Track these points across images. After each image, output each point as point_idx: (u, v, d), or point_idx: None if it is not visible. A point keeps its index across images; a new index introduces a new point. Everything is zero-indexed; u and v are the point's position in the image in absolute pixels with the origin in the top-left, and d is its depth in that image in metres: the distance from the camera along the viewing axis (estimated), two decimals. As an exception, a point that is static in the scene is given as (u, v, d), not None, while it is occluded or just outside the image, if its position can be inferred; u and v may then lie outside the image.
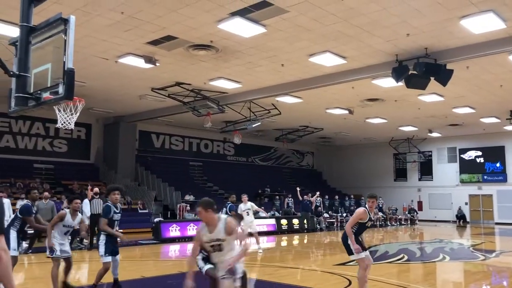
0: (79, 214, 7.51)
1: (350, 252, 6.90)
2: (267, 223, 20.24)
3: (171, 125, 25.62)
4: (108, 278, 7.38)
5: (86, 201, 14.14)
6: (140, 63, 13.43)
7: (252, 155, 31.97)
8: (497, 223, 27.96)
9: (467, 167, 29.77)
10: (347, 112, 20.59)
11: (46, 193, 14.40)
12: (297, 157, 35.61)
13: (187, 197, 22.15)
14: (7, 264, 2.57)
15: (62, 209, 8.57)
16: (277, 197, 25.60)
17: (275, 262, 12.11)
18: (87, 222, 12.45)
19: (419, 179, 32.15)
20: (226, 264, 4.91)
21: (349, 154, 34.76)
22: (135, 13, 10.14)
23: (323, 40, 11.79)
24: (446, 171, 30.73)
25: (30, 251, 12.82)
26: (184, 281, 4.90)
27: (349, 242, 6.83)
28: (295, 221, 21.59)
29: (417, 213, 29.16)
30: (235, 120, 20.94)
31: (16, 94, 4.37)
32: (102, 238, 7.17)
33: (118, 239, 7.32)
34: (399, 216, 28.45)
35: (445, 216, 29.91)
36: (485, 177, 29.00)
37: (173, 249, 14.91)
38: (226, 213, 11.65)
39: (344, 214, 25.48)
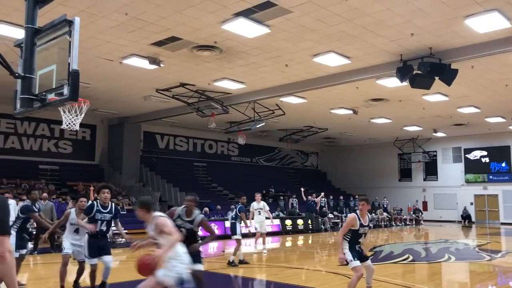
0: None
1: (346, 263, 6.64)
2: (271, 224, 20.20)
3: (175, 126, 25.66)
4: (109, 279, 7.38)
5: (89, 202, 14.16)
6: (144, 64, 13.46)
7: (256, 155, 31.97)
8: (502, 223, 27.82)
9: (472, 167, 29.64)
10: (351, 112, 20.56)
11: (45, 194, 14.45)
12: (302, 158, 35.58)
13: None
14: (11, 264, 2.59)
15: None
16: (282, 197, 25.58)
17: (280, 262, 12.10)
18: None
19: (424, 179, 32.04)
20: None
21: (353, 154, 34.68)
22: (139, 14, 10.17)
23: (327, 40, 11.78)
24: (451, 171, 30.62)
25: (36, 252, 12.87)
26: None
27: (344, 251, 6.58)
28: (300, 222, 21.56)
29: (422, 213, 29.08)
30: (239, 120, 20.94)
31: (22, 96, 4.39)
32: (85, 238, 7.09)
33: (124, 239, 7.32)
34: (404, 216, 28.37)
35: (450, 216, 29.79)
36: (491, 177, 28.87)
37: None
38: (236, 214, 11.63)
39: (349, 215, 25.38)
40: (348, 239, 6.62)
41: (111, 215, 7.20)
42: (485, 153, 29.16)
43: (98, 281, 7.20)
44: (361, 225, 6.59)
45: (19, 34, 8.87)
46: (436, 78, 12.51)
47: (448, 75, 12.43)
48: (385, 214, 26.91)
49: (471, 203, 29.39)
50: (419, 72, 12.45)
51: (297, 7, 9.70)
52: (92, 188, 14.64)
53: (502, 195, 28.39)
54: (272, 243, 17.16)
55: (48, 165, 21.98)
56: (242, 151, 30.32)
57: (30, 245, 12.71)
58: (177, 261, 4.92)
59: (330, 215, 24.20)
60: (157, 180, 23.97)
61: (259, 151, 31.91)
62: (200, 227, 6.46)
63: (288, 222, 21.33)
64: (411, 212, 28.88)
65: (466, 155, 29.91)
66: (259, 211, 13.28)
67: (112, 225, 7.65)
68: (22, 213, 7.52)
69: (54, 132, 22.39)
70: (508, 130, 26.24)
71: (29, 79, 4.36)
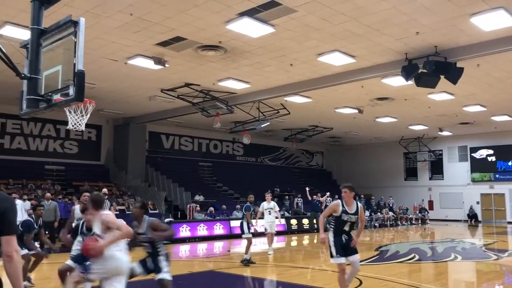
0: None
1: (330, 255, 6.48)
2: (278, 223, 20.20)
3: (180, 126, 25.70)
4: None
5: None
6: (149, 64, 13.50)
7: (261, 155, 31.96)
8: (509, 222, 27.67)
9: (478, 165, 29.49)
10: (356, 111, 20.51)
11: (48, 194, 14.53)
12: (307, 157, 35.53)
13: (197, 198, 22.21)
14: (17, 264, 2.62)
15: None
16: (287, 197, 25.57)
17: (285, 262, 12.10)
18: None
19: (430, 178, 31.91)
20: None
21: (359, 153, 34.60)
22: (144, 15, 10.19)
23: (332, 39, 11.76)
24: (457, 170, 30.48)
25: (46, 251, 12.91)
26: None
27: (330, 243, 6.44)
28: (305, 221, 21.55)
29: (428, 213, 28.96)
30: (244, 120, 20.95)
31: (28, 96, 4.41)
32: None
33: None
34: (410, 216, 28.26)
35: (457, 215, 29.66)
36: (497, 175, 28.71)
37: (184, 249, 14.95)
38: (243, 213, 11.66)
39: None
40: (332, 227, 6.55)
41: None
42: (491, 151, 29.00)
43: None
44: (345, 212, 6.40)
45: (25, 35, 8.92)
46: (442, 76, 12.46)
47: (454, 74, 12.38)
48: (390, 213, 26.82)
49: (478, 202, 29.24)
50: (425, 70, 12.41)
51: (302, 6, 9.69)
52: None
53: (508, 194, 28.22)
54: (277, 242, 17.16)
55: (54, 166, 22.08)
56: (247, 151, 30.32)
57: (36, 244, 12.82)
58: (109, 262, 4.78)
59: (336, 215, 24.11)
60: (162, 180, 24.01)
61: (264, 151, 31.90)
62: (154, 232, 5.89)
63: (294, 221, 21.32)
64: (417, 211, 28.77)
65: (472, 154, 29.76)
66: (269, 211, 13.25)
67: None
68: (21, 227, 7.45)
69: (60, 133, 22.49)
70: (514, 129, 26.10)
71: (35, 80, 4.38)
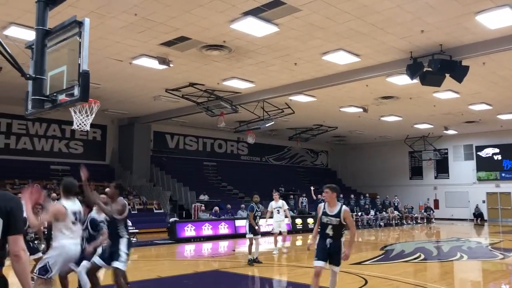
0: None
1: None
2: (286, 222, 20.19)
3: (185, 125, 25.74)
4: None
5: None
6: (154, 64, 13.52)
7: (266, 154, 31.95)
8: (515, 221, 27.54)
9: (484, 164, 29.35)
10: (361, 110, 20.46)
11: (54, 194, 14.56)
12: (311, 156, 35.49)
13: (202, 197, 22.24)
14: (25, 263, 2.64)
15: None
16: (291, 196, 25.55)
17: (290, 261, 12.10)
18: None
19: (435, 177, 31.80)
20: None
21: (363, 152, 34.52)
22: (148, 15, 10.21)
23: (336, 38, 11.73)
24: (462, 168, 30.35)
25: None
26: None
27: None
28: (310, 221, 21.51)
29: (433, 212, 28.84)
30: (249, 119, 20.95)
31: (33, 97, 4.43)
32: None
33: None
34: (415, 215, 28.17)
35: (462, 214, 29.53)
36: (503, 174, 28.56)
37: (189, 249, 14.98)
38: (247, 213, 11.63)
39: (360, 213, 25.32)
40: (318, 230, 6.22)
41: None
42: (497, 150, 28.85)
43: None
44: (324, 214, 6.07)
45: (30, 35, 8.95)
46: (447, 75, 12.41)
47: (459, 72, 12.32)
48: (396, 212, 26.75)
49: (483, 201, 29.10)
50: (430, 69, 12.36)
51: (306, 5, 9.67)
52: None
53: (515, 193, 28.08)
54: (281, 242, 17.14)
55: (60, 166, 22.16)
56: (252, 150, 30.33)
57: (42, 245, 12.87)
58: (55, 250, 5.22)
59: (341, 214, 24.07)
60: (167, 180, 24.08)
61: (268, 150, 31.89)
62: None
63: (298, 221, 21.29)
64: (422, 211, 28.67)
65: (478, 153, 29.61)
66: (277, 210, 13.23)
67: None
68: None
69: (65, 133, 22.58)
70: (520, 127, 25.94)
71: (40, 80, 4.40)
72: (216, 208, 20.00)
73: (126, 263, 5.94)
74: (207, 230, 17.42)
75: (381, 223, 25.47)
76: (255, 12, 10.04)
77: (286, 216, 13.43)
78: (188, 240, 16.57)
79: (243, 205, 20.44)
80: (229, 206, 21.08)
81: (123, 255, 5.91)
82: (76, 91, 4.13)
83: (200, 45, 12.21)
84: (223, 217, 19.32)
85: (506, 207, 28.44)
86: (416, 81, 13.38)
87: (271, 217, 13.40)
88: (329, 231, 6.04)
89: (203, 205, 20.96)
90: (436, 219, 28.57)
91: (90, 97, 4.67)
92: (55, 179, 20.44)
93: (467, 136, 29.23)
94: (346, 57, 13.09)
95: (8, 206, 2.64)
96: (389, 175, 32.82)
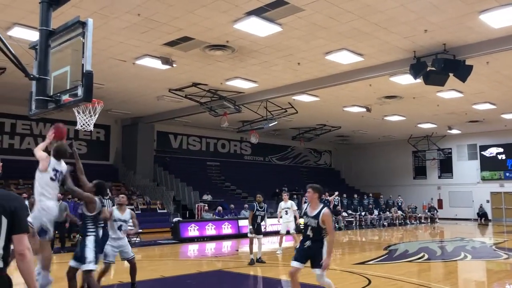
0: (127, 209, 7.43)
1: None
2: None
3: (188, 125, 25.77)
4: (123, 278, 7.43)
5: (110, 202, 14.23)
6: (157, 64, 13.54)
7: (269, 154, 31.95)
8: (520, 221, 27.44)
9: (488, 164, 29.24)
10: (364, 110, 20.43)
11: (59, 195, 14.60)
12: (315, 156, 35.46)
13: (205, 197, 22.25)
14: (30, 262, 2.67)
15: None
16: (295, 196, 25.51)
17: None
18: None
19: (439, 177, 31.71)
20: None
21: (367, 152, 34.46)
22: (151, 15, 10.22)
23: (339, 38, 11.72)
24: (466, 168, 30.25)
25: (62, 251, 13.02)
26: None
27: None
28: (313, 220, 21.47)
29: (437, 211, 28.76)
30: (252, 119, 20.95)
31: (37, 97, 4.45)
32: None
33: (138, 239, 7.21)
34: (419, 215, 28.10)
35: (466, 214, 29.44)
36: (507, 174, 28.44)
37: (192, 249, 14.99)
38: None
39: (363, 213, 25.30)
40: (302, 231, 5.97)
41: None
42: (501, 150, 28.74)
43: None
44: (305, 214, 5.83)
45: (34, 36, 8.98)
46: (451, 74, 12.37)
47: (463, 72, 12.28)
48: (399, 212, 26.70)
49: (487, 201, 29.01)
50: (433, 68, 12.33)
51: (309, 5, 9.67)
52: None
53: (519, 193, 27.97)
54: (285, 242, 17.13)
55: (63, 166, 22.17)
56: (255, 150, 30.34)
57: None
58: (42, 212, 5.63)
59: (344, 214, 24.09)
60: (170, 180, 24.11)
61: (272, 150, 31.89)
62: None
63: (302, 220, 21.21)
64: (426, 210, 28.59)
65: (482, 152, 29.51)
66: (286, 211, 13.17)
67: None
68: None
69: (69, 133, 22.61)
70: (524, 127, 25.83)
71: (44, 81, 4.41)
72: (220, 208, 20.01)
73: (94, 262, 5.93)
74: (210, 230, 17.44)
75: (384, 223, 25.42)
76: (258, 12, 10.04)
77: (295, 217, 13.38)
78: (192, 240, 16.59)
79: (246, 205, 20.43)
80: (232, 206, 21.09)
81: (89, 256, 5.92)
82: (79, 92, 4.15)
83: (203, 45, 12.22)
84: (226, 217, 19.33)
85: (510, 207, 28.32)
86: (419, 80, 13.35)
87: (281, 217, 13.41)
88: (309, 232, 5.78)
89: (206, 205, 20.96)
90: (440, 219, 28.48)
91: (94, 97, 4.69)
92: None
93: (471, 135, 29.14)
94: (349, 57, 13.07)
95: (12, 206, 2.67)
96: (393, 175, 32.75)
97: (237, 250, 14.52)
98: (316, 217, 5.66)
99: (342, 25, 10.82)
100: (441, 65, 11.94)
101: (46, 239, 5.72)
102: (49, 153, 6.02)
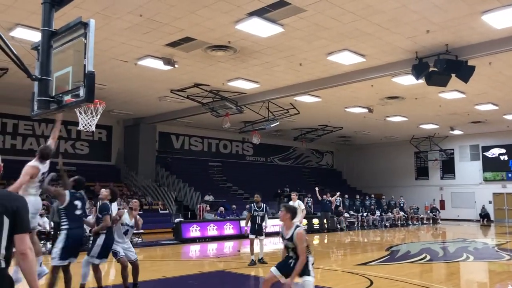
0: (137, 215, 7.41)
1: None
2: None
3: (190, 126, 25.78)
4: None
5: (114, 204, 14.21)
6: (159, 65, 13.55)
7: (271, 155, 31.95)
8: (522, 222, 27.37)
9: (490, 165, 29.19)
10: (366, 110, 20.41)
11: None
12: (316, 157, 35.45)
13: (207, 198, 22.26)
14: (32, 261, 2.68)
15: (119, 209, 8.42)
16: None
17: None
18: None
19: (441, 178, 31.66)
20: None
21: (369, 153, 34.44)
22: (153, 16, 10.23)
23: (341, 39, 11.71)
24: (468, 169, 30.19)
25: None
26: None
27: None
28: (315, 221, 21.48)
29: (439, 212, 28.72)
30: (254, 120, 20.95)
31: (39, 98, 4.45)
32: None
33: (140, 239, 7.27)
34: (421, 215, 28.06)
35: (468, 215, 29.39)
36: (510, 175, 28.37)
37: (194, 249, 14.99)
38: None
39: (365, 214, 25.28)
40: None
41: None
42: (503, 150, 28.68)
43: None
44: (282, 236, 5.50)
45: (36, 37, 8.99)
46: (453, 75, 12.35)
47: (465, 72, 12.26)
48: (401, 213, 26.67)
49: (490, 202, 28.95)
50: (435, 69, 12.31)
51: (311, 5, 9.66)
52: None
53: (521, 194, 27.90)
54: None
55: (65, 166, 22.12)
56: (257, 151, 30.34)
57: (49, 245, 12.94)
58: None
59: (346, 215, 24.08)
60: (172, 180, 24.13)
61: (273, 151, 31.89)
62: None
63: (304, 221, 21.22)
64: (428, 211, 28.55)
65: (484, 153, 29.46)
66: None
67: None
68: None
69: (71, 133, 22.68)
70: (527, 127, 25.77)
71: (46, 81, 4.42)
72: (221, 208, 20.02)
73: (57, 258, 6.14)
74: (212, 230, 17.44)
75: (386, 224, 25.39)
76: (260, 13, 10.04)
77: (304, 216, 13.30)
78: (193, 240, 16.59)
79: (248, 206, 20.43)
80: (234, 206, 21.09)
81: (54, 251, 6.19)
82: (81, 92, 4.15)
83: (205, 45, 12.22)
84: (228, 217, 19.33)
85: (513, 208, 28.27)
86: (421, 81, 13.33)
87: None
88: (291, 253, 5.42)
89: (208, 205, 20.97)
90: (442, 219, 28.44)
91: (96, 98, 4.69)
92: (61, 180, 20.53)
93: (473, 136, 29.09)
94: (351, 57, 13.06)
95: (14, 206, 2.68)
96: (395, 176, 32.72)
97: (239, 251, 14.51)
98: (291, 239, 5.35)
99: (344, 26, 10.81)
100: (443, 66, 11.92)
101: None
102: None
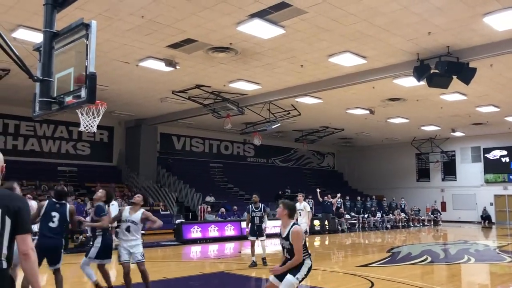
0: (141, 209, 7.07)
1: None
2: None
3: (191, 127, 25.80)
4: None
5: (115, 203, 14.24)
6: (160, 66, 13.57)
7: (272, 156, 31.95)
8: (524, 224, 27.31)
9: (492, 166, 29.14)
10: (368, 112, 20.41)
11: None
12: (318, 158, 35.44)
13: (208, 199, 22.26)
14: (34, 262, 2.69)
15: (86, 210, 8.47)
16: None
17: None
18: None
19: (442, 180, 31.62)
20: None
21: (370, 154, 34.41)
22: (155, 17, 10.25)
23: (342, 40, 11.72)
24: (470, 171, 30.15)
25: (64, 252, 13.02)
26: None
27: None
28: (316, 223, 21.47)
29: (440, 214, 28.70)
30: (255, 121, 20.96)
31: (40, 99, 4.46)
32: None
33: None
34: (422, 217, 28.05)
35: (470, 217, 29.34)
36: (511, 177, 28.34)
37: (195, 250, 14.99)
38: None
39: (366, 216, 25.25)
40: None
41: None
42: (505, 152, 28.64)
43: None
44: (279, 235, 5.19)
45: (38, 38, 9.02)
46: (454, 77, 12.35)
47: (466, 74, 12.26)
48: (402, 214, 26.65)
49: (491, 204, 28.90)
50: (437, 71, 12.31)
51: (312, 7, 9.67)
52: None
53: (523, 196, 27.85)
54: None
55: (67, 167, 22.31)
56: (258, 152, 30.34)
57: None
58: None
59: (347, 216, 24.06)
60: (173, 181, 24.14)
61: (275, 152, 31.89)
62: None
63: (317, 222, 21.27)
64: (429, 213, 28.53)
65: (486, 155, 29.42)
66: (299, 212, 12.58)
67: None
68: None
69: (72, 134, 22.71)
70: (528, 129, 25.74)
71: (48, 82, 4.43)
72: (222, 209, 20.02)
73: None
74: (213, 231, 17.44)
75: (387, 225, 25.37)
76: (261, 14, 10.05)
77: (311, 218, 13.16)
78: (194, 241, 16.59)
79: (249, 207, 20.43)
80: (235, 207, 21.09)
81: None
82: (83, 93, 4.16)
83: (207, 47, 12.24)
84: (229, 218, 19.33)
85: (514, 210, 28.22)
86: (423, 83, 13.34)
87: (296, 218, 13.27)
88: (287, 254, 5.04)
89: (209, 206, 20.98)
90: (443, 221, 28.41)
91: (97, 99, 4.70)
92: (62, 180, 20.57)
93: (474, 138, 29.05)
94: (352, 59, 13.07)
95: (16, 206, 2.68)
96: (396, 177, 32.69)
97: (240, 252, 14.51)
98: (287, 238, 4.98)
99: (345, 28, 10.82)
100: (445, 68, 11.92)
101: None
102: None
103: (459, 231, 24.36)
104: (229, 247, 15.95)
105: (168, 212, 21.37)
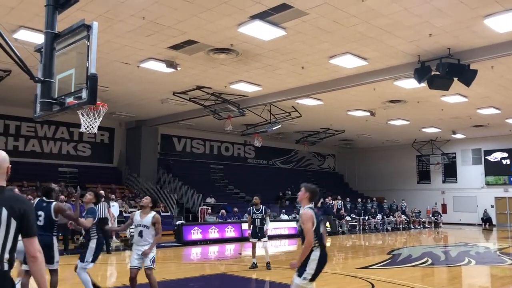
0: (152, 212, 6.98)
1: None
2: (288, 226, 20.16)
3: (192, 128, 25.80)
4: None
5: (116, 204, 14.25)
6: (161, 67, 13.58)
7: (273, 158, 31.94)
8: (524, 226, 27.28)
9: (492, 169, 29.12)
10: (368, 114, 20.40)
11: (62, 196, 14.66)
12: (318, 160, 35.43)
13: (208, 200, 22.26)
14: (42, 264, 2.71)
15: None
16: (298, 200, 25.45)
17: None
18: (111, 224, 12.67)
19: (443, 182, 31.59)
20: None
21: (371, 156, 34.39)
22: (156, 18, 10.26)
23: (343, 42, 11.72)
24: (470, 173, 30.12)
25: (65, 253, 13.04)
26: None
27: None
28: (317, 224, 21.43)
29: (441, 216, 28.68)
30: (256, 123, 20.96)
31: (41, 99, 4.47)
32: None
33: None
34: (423, 219, 28.02)
35: (470, 219, 29.31)
36: (512, 179, 28.35)
37: (195, 252, 14.98)
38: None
39: (367, 217, 25.23)
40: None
41: None
42: (506, 154, 28.62)
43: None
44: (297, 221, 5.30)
45: (39, 39, 9.03)
46: (455, 79, 12.35)
47: (467, 76, 12.25)
48: (403, 216, 26.62)
49: (492, 206, 28.87)
50: (438, 73, 12.31)
51: (313, 9, 9.68)
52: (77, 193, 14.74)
53: (524, 198, 27.82)
54: (289, 245, 17.12)
55: (68, 168, 22.32)
56: (259, 154, 30.34)
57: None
58: None
59: (348, 218, 24.04)
60: (174, 183, 24.13)
61: (275, 153, 31.88)
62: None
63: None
64: (430, 215, 28.50)
65: (486, 157, 29.40)
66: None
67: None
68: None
69: (73, 135, 22.73)
70: (529, 131, 25.72)
71: (49, 83, 4.44)
72: (223, 211, 20.01)
73: None
74: (213, 233, 17.43)
75: (388, 227, 25.34)
76: (262, 16, 10.06)
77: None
78: (195, 243, 16.59)
79: (250, 208, 20.43)
80: (235, 209, 21.08)
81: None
82: (84, 94, 4.17)
83: (208, 48, 12.25)
84: (229, 220, 19.31)
85: (515, 212, 28.19)
86: (423, 85, 13.33)
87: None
88: (302, 239, 4.90)
89: (209, 208, 20.97)
90: (444, 223, 28.40)
91: (98, 100, 4.70)
92: (63, 181, 20.57)
93: (475, 140, 29.03)
94: (353, 61, 13.07)
95: (22, 209, 2.68)
96: (397, 179, 32.67)
97: (240, 254, 14.50)
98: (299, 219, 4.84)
99: (346, 29, 10.83)
100: (446, 70, 11.92)
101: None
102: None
103: (459, 233, 24.33)
104: (230, 248, 15.94)
105: (169, 214, 21.35)
